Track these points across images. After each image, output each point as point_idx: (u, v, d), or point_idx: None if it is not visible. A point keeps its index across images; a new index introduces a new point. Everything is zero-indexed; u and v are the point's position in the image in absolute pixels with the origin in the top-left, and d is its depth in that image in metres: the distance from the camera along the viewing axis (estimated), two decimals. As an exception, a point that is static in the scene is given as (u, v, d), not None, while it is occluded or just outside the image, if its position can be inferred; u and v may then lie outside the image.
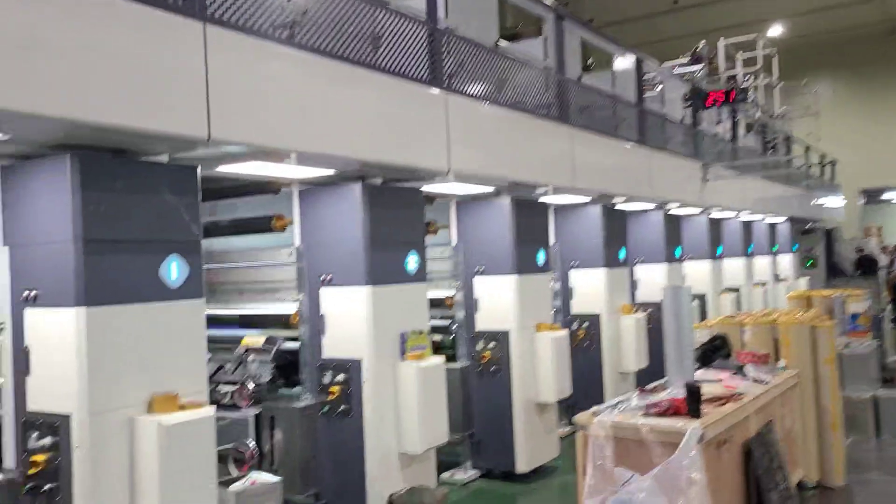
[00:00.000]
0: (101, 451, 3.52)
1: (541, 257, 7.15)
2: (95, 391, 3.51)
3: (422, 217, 5.82)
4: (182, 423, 3.66)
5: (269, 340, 5.60)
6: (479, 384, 6.89)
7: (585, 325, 8.29)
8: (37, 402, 3.64)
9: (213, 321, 6.18)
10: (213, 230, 6.06)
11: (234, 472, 5.28)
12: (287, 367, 5.63)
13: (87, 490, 3.47)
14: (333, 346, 5.30)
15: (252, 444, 5.29)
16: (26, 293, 3.65)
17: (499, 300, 6.78)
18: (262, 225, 5.74)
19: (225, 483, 4.10)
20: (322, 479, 5.32)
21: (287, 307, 5.62)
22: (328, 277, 5.30)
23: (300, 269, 5.44)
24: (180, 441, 3.63)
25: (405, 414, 5.35)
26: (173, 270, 3.89)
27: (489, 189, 6.67)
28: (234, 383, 5.53)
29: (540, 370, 6.88)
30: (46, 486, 3.55)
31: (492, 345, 6.85)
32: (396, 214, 5.51)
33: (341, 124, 4.54)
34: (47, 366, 3.60)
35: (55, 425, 3.54)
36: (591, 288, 8.29)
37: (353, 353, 5.22)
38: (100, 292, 3.55)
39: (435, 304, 7.00)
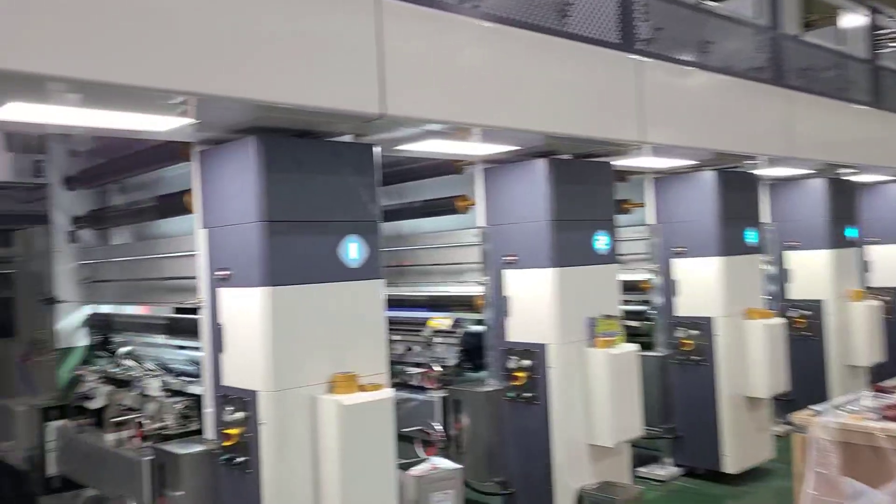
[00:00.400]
0: (286, 427, 3.59)
1: (750, 237, 6.44)
2: (280, 369, 3.57)
3: (611, 194, 5.43)
4: (361, 404, 3.63)
5: (456, 323, 5.52)
6: (679, 375, 6.38)
7: (805, 312, 7.40)
8: (230, 378, 3.78)
9: (401, 303, 6.25)
10: (402, 212, 6.09)
11: (422, 453, 5.29)
12: (473, 351, 5.52)
13: (273, 464, 3.55)
14: (518, 330, 5.09)
15: (439, 427, 5.26)
16: (220, 273, 3.79)
17: (701, 284, 6.20)
18: (445, 206, 5.67)
19: (405, 466, 4.05)
20: (507, 467, 5.15)
21: (473, 289, 5.49)
22: (512, 259, 5.09)
23: (484, 250, 5.29)
24: (359, 421, 3.61)
25: (595, 404, 5.03)
26: (352, 251, 3.87)
27: (690, 162, 6.09)
28: (421, 365, 5.54)
29: (750, 361, 6.22)
30: (239, 459, 3.68)
31: (694, 332, 6.30)
32: (584, 191, 5.18)
33: (526, 97, 4.28)
34: (238, 343, 3.72)
35: (245, 401, 3.65)
36: (812, 271, 7.38)
37: (538, 337, 4.98)
38: (282, 272, 3.60)
39: (630, 287, 6.57)
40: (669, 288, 6.43)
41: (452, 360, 5.41)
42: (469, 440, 5.15)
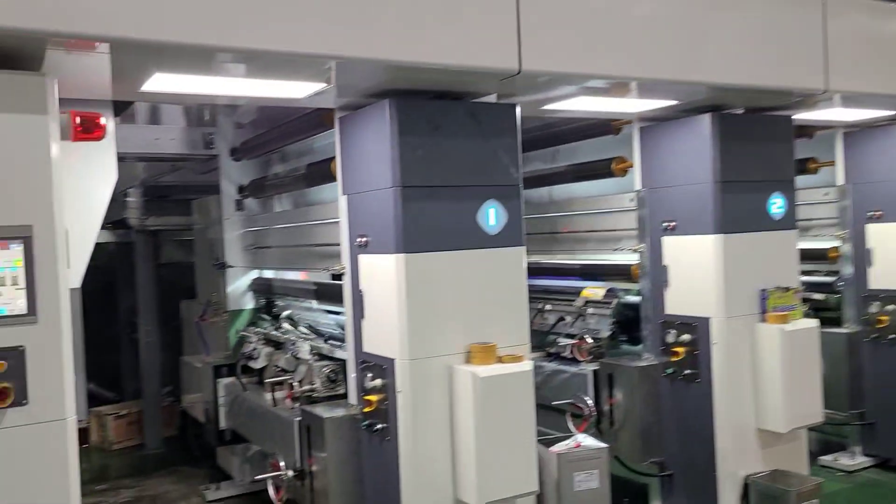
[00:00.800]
0: (422, 396, 3.52)
1: (965, 198, 5.53)
2: (416, 338, 3.50)
3: (791, 151, 4.84)
4: (498, 376, 3.49)
5: (610, 293, 5.21)
6: (872, 354, 5.66)
7: None
8: (370, 345, 3.78)
9: (554, 271, 6.02)
10: (554, 177, 5.83)
11: (572, 428, 5.08)
12: (628, 323, 5.19)
13: (409, 432, 3.51)
14: (678, 302, 4.70)
15: (590, 401, 5.01)
16: (359, 240, 3.78)
17: (901, 253, 5.42)
18: (601, 169, 5.33)
19: (547, 442, 3.87)
20: (665, 447, 4.81)
21: (629, 258, 5.15)
22: (671, 225, 4.69)
23: (641, 215, 4.92)
24: (496, 394, 3.48)
25: (766, 385, 4.55)
26: (491, 216, 3.71)
27: (888, 113, 5.30)
28: (572, 336, 5.30)
29: (961, 342, 5.38)
30: (378, 426, 3.67)
31: (891, 307, 5.54)
32: (757, 149, 4.64)
33: (692, 44, 3.85)
34: (377, 311, 3.70)
35: (384, 368, 3.63)
36: None
37: (700, 310, 4.57)
38: (418, 239, 3.51)
39: (815, 256, 5.89)
40: (862, 257, 5.69)
41: (605, 332, 5.13)
42: (622, 417, 4.87)
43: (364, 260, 3.78)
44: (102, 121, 3.00)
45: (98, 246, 8.48)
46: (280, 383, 4.54)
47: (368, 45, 3.01)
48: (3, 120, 2.49)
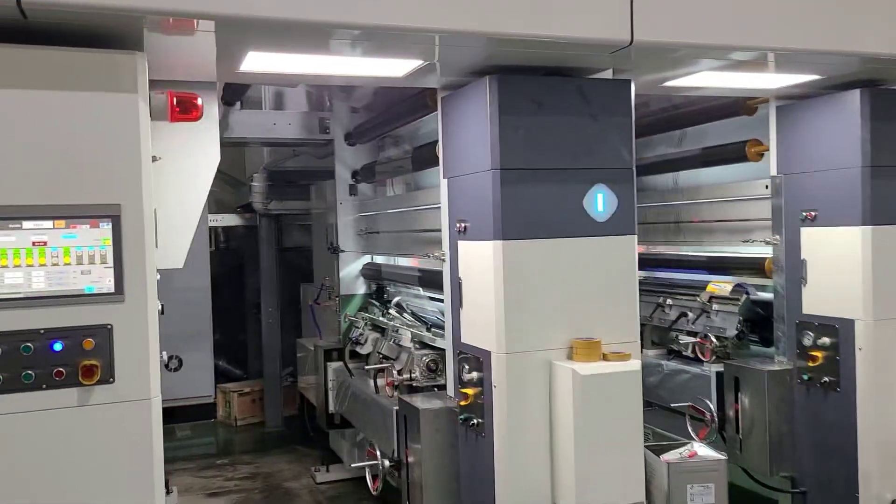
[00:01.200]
0: (519, 392, 3.32)
1: None
2: (513, 330, 3.30)
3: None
4: (600, 375, 3.22)
5: (738, 289, 4.76)
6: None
7: None
8: (468, 336, 3.61)
9: (677, 263, 5.60)
10: (679, 161, 5.41)
11: (692, 433, 4.70)
12: (758, 322, 4.73)
13: (504, 430, 3.31)
14: (817, 301, 4.21)
15: (712, 405, 4.62)
16: (458, 225, 3.61)
17: None
18: (733, 153, 4.87)
19: (658, 449, 3.56)
20: (798, 462, 4.34)
21: (761, 250, 4.68)
22: (811, 214, 4.19)
23: (776, 204, 4.44)
24: (598, 394, 3.21)
25: (921, 398, 3.99)
26: (599, 202, 3.43)
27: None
28: (695, 334, 4.90)
29: None
30: (475, 420, 3.50)
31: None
32: (915, 130, 4.06)
33: (835, 6, 3.39)
34: (474, 300, 3.52)
35: (480, 361, 3.45)
36: None
37: (842, 310, 4.06)
38: (517, 225, 3.29)
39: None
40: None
41: (732, 332, 4.69)
42: (749, 424, 4.44)
43: (463, 246, 3.61)
44: (199, 101, 2.98)
45: (229, 229, 8.85)
46: (382, 370, 4.46)
47: (471, 17, 2.81)
48: (94, 98, 2.51)
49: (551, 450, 3.35)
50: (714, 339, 4.77)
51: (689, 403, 4.79)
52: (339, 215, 5.96)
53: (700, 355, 4.86)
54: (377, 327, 5.23)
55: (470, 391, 3.52)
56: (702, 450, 3.60)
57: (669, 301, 5.25)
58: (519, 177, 3.31)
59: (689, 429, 4.79)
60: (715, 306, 4.84)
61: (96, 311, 2.49)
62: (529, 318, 3.33)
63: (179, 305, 7.81)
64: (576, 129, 3.39)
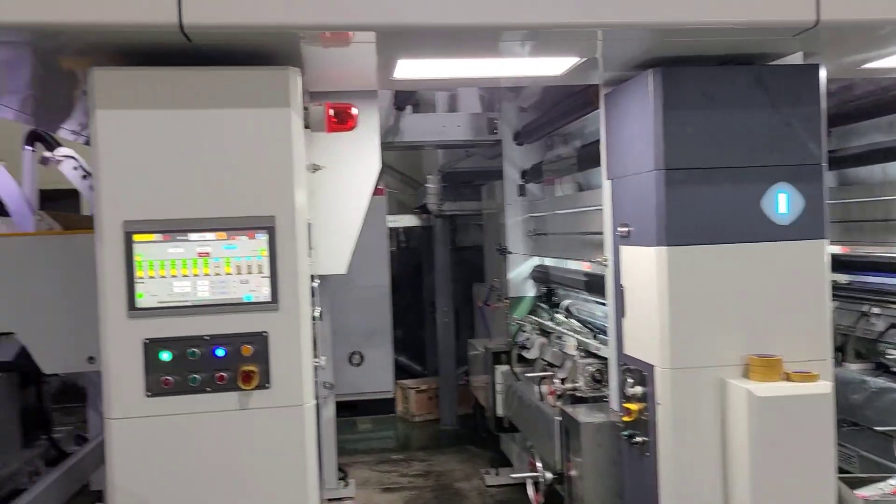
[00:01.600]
0: (687, 412, 3.06)
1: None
2: (679, 343, 3.05)
3: None
4: (781, 398, 2.88)
5: (960, 298, 4.11)
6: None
7: None
8: (630, 347, 3.39)
9: (888, 267, 4.95)
10: (890, 151, 4.76)
11: (902, 461, 4.14)
12: None
13: (669, 451, 3.07)
14: None
15: (927, 431, 4.03)
16: (621, 229, 3.40)
17: None
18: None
19: (855, 482, 3.13)
20: None
21: None
22: None
23: None
24: (778, 419, 2.88)
25: None
26: (781, 203, 3.07)
27: None
28: (907, 348, 4.30)
29: None
30: (638, 438, 3.29)
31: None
32: None
33: None
34: (638, 309, 3.30)
35: (644, 374, 3.23)
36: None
37: None
38: (684, 230, 3.03)
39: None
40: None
41: (953, 347, 4.06)
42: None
43: (626, 252, 3.39)
44: (354, 111, 3.03)
45: (409, 229, 9.10)
46: (547, 377, 4.33)
47: (637, 9, 2.61)
48: (250, 114, 2.62)
49: (724, 477, 3.05)
50: (929, 355, 4.15)
51: (900, 427, 4.21)
52: (508, 216, 5.88)
53: (912, 373, 4.26)
54: (544, 332, 5.10)
55: (633, 406, 3.30)
56: (909, 487, 3.12)
57: (876, 310, 4.64)
58: (686, 177, 3.04)
59: (898, 456, 4.21)
60: (931, 318, 4.21)
61: (254, 318, 2.60)
62: (698, 331, 3.05)
63: (361, 304, 8.22)
64: (753, 122, 3.06)
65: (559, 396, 4.05)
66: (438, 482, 6.04)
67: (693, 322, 3.05)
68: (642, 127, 3.14)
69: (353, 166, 3.55)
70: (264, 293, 2.59)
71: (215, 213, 2.58)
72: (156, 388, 2.53)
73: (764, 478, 2.87)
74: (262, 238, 2.59)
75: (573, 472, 3.66)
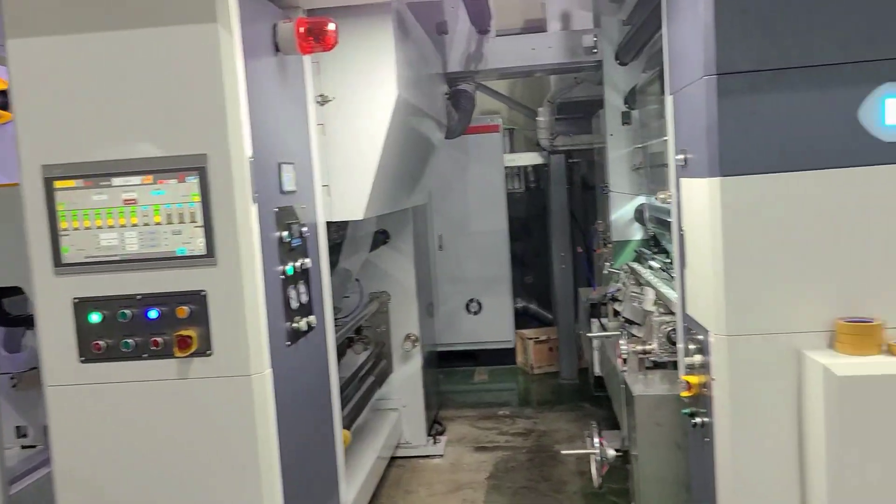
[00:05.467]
0: (748, 391, 2.35)
1: None
2: (738, 303, 2.33)
3: None
4: (870, 378, 2.11)
5: None
6: None
7: None
8: (692, 307, 2.70)
9: None
10: None
11: None
12: None
13: (727, 438, 2.39)
14: None
15: None
16: (679, 157, 2.69)
17: None
18: None
19: None
20: None
21: None
22: None
23: None
24: (867, 404, 2.11)
25: None
26: (889, 112, 2.22)
27: None
28: None
29: None
30: (698, 419, 2.63)
31: None
32: None
33: None
34: (696, 259, 2.59)
35: (702, 341, 2.55)
36: None
37: None
38: (744, 155, 2.29)
39: None
40: None
41: None
42: None
43: (685, 185, 2.68)
44: (332, 27, 2.55)
45: (539, 167, 8.47)
46: (617, 338, 3.70)
47: None
48: (172, 34, 2.22)
49: (801, 474, 2.34)
50: None
51: None
52: (610, 149, 5.17)
53: None
54: (640, 283, 4.41)
55: (694, 379, 2.63)
56: None
57: None
58: (748, 83, 2.27)
59: None
60: None
61: (190, 275, 2.26)
62: (766, 288, 2.32)
63: (478, 250, 7.82)
64: (846, 1, 2.22)
65: (625, 360, 3.42)
66: (538, 443, 5.57)
67: (758, 276, 2.31)
68: (693, 18, 2.39)
69: (364, 95, 3.09)
70: (199, 245, 2.24)
71: (140, 154, 2.24)
72: (88, 353, 2.28)
73: (844, 480, 2.14)
74: (193, 181, 2.22)
75: (634, 452, 3.06)
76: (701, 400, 2.61)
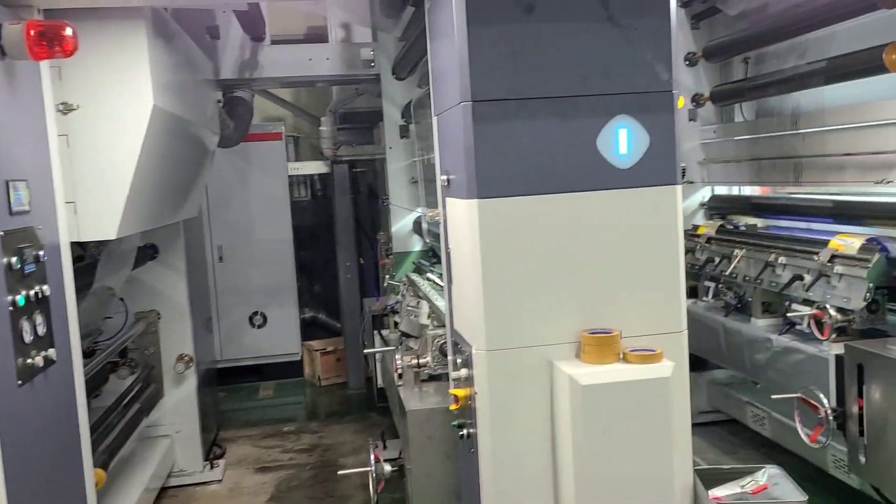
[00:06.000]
0: (507, 403, 2.49)
1: None
2: (497, 318, 2.45)
3: None
4: (609, 385, 2.32)
5: (867, 246, 3.55)
6: None
7: None
8: (457, 320, 2.80)
9: (795, 210, 4.42)
10: (797, 80, 4.16)
11: (802, 433, 3.68)
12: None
13: (489, 449, 2.51)
14: (975, 267, 2.97)
15: (824, 399, 3.53)
16: (442, 178, 2.77)
17: None
18: (865, 63, 3.60)
19: (711, 477, 2.59)
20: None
21: (903, 194, 3.44)
22: (970, 143, 2.93)
23: (919, 130, 3.19)
24: (608, 410, 2.31)
25: None
26: (622, 141, 2.45)
27: None
28: (812, 304, 3.77)
29: None
30: (464, 430, 2.71)
31: None
32: None
33: None
34: (461, 276, 2.69)
35: (466, 355, 2.64)
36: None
37: None
38: (498, 178, 2.41)
39: None
40: None
41: (858, 302, 3.52)
42: (877, 427, 3.32)
43: (449, 205, 2.77)
44: (68, 31, 2.33)
45: (325, 176, 8.30)
46: (393, 352, 3.75)
47: None
48: None
49: (554, 472, 2.50)
50: (833, 313, 3.62)
51: (799, 394, 3.71)
52: (389, 161, 5.25)
53: (816, 333, 3.73)
54: (419, 295, 4.51)
55: (461, 392, 2.73)
56: (777, 481, 2.59)
57: (783, 259, 4.10)
58: (501, 111, 2.40)
59: (799, 426, 3.73)
60: (838, 268, 3.66)
61: None
62: (522, 304, 2.46)
63: (262, 260, 7.56)
64: (586, 40, 2.41)
65: (400, 375, 3.47)
66: (323, 458, 5.51)
67: (514, 292, 2.45)
68: (450, 47, 2.48)
69: (117, 104, 2.86)
70: None
71: None
72: None
73: (589, 478, 2.33)
74: None
75: (408, 466, 3.10)
76: (467, 412, 2.70)
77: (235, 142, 5.34)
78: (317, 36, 6.43)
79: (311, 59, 5.14)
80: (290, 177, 7.56)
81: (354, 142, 6.82)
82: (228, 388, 7.09)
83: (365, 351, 4.11)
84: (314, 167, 7.84)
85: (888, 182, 3.53)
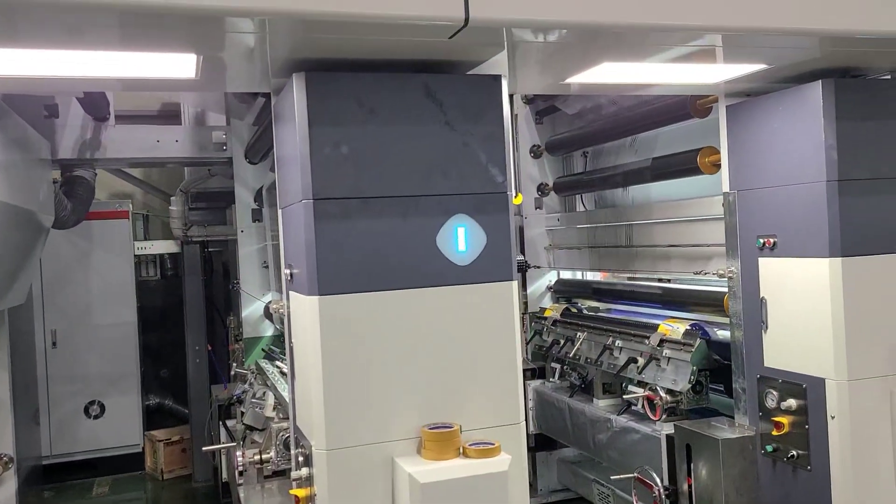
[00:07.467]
0: (349, 497, 2.44)
1: None
2: (335, 418, 2.43)
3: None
4: (448, 483, 2.33)
5: (690, 332, 3.85)
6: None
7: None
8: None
9: (630, 296, 4.72)
10: (630, 175, 4.52)
11: (639, 510, 3.82)
12: (719, 371, 3.82)
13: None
14: (779, 352, 3.28)
15: (657, 479, 3.71)
16: (285, 271, 2.75)
17: None
18: (683, 164, 3.98)
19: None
20: (763, 556, 3.41)
21: (721, 282, 3.76)
22: (769, 241, 3.28)
23: (730, 227, 3.53)
24: (445, 502, 2.32)
25: (917, 480, 3.05)
26: (460, 239, 2.55)
27: None
28: (645, 385, 4.01)
29: None
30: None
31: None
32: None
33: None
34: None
35: (307, 453, 2.58)
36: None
37: (811, 366, 3.13)
38: (338, 274, 2.43)
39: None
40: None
41: (683, 384, 3.78)
42: (704, 502, 3.52)
43: (293, 300, 2.75)
44: None
45: (176, 255, 7.96)
46: (234, 448, 3.61)
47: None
48: None
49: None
50: (664, 394, 3.86)
51: (636, 473, 3.89)
52: (241, 245, 5.15)
53: (648, 413, 3.95)
54: (266, 383, 4.38)
55: (302, 493, 2.64)
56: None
57: (619, 342, 4.35)
58: (342, 209, 2.45)
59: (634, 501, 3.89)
60: (666, 351, 3.93)
61: None
62: (363, 401, 2.45)
63: (102, 345, 7.07)
64: (426, 143, 2.52)
65: (241, 472, 3.34)
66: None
67: (355, 390, 2.44)
68: (292, 145, 2.51)
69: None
70: None
71: None
72: None
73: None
74: None
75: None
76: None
77: (74, 223, 5.07)
78: (171, 112, 6.30)
79: (160, 141, 5.03)
80: (138, 256, 7.22)
81: (207, 221, 6.65)
82: (57, 487, 6.49)
83: (203, 448, 3.91)
84: (164, 246, 7.55)
85: (705, 273, 3.86)
